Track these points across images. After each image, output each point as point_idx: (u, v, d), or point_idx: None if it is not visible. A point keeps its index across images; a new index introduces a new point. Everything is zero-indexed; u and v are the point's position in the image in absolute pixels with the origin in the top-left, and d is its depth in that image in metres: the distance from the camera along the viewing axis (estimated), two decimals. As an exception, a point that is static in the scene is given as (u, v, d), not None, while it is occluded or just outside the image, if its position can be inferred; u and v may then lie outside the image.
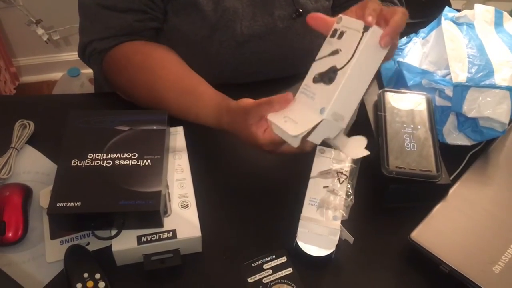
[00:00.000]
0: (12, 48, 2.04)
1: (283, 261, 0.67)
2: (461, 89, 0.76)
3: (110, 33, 0.82)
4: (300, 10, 0.85)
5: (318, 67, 0.63)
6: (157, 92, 0.79)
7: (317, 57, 0.64)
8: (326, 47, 0.63)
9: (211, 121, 0.75)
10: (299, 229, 0.67)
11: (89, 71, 0.91)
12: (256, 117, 0.65)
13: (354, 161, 0.74)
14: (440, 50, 0.84)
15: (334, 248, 0.65)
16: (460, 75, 0.76)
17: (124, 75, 0.82)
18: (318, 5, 0.88)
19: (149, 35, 0.85)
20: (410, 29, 0.97)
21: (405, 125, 0.75)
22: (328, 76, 0.60)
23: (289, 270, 0.66)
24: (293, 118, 0.61)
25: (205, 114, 0.75)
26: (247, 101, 0.68)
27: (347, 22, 0.62)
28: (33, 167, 0.77)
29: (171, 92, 0.78)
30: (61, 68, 2.07)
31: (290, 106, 0.63)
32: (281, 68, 0.93)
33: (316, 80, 0.62)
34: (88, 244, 0.67)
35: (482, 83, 0.75)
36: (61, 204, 0.62)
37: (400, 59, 0.88)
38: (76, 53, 0.88)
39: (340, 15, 0.64)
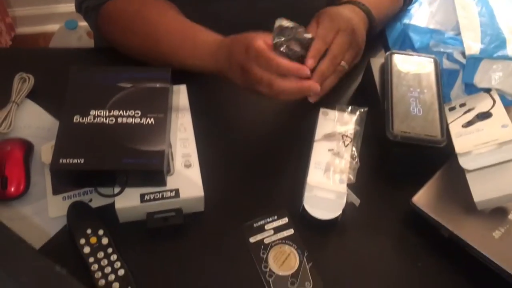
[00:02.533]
0: (7, -4, 1.98)
1: (285, 222, 0.67)
2: (473, 62, 0.74)
3: None
4: None
5: None
6: (154, 35, 0.77)
7: None
8: None
9: (207, 58, 0.73)
10: (305, 194, 0.66)
11: (87, 24, 0.88)
12: (255, 61, 0.66)
13: (358, 123, 0.73)
14: (447, 9, 0.81)
15: (341, 211, 0.65)
16: (473, 46, 0.74)
17: (119, 24, 0.81)
18: None
19: None
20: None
21: (411, 89, 0.74)
22: None
23: (290, 231, 0.66)
24: None
25: (201, 49, 0.74)
26: (261, 44, 0.67)
27: None
28: (33, 122, 0.76)
29: (168, 35, 0.76)
30: (58, 20, 2.01)
31: None
32: None
33: None
34: (91, 200, 0.67)
35: (495, 55, 0.74)
36: (64, 161, 0.61)
37: (406, 21, 0.86)
38: (74, 4, 0.86)
39: None
